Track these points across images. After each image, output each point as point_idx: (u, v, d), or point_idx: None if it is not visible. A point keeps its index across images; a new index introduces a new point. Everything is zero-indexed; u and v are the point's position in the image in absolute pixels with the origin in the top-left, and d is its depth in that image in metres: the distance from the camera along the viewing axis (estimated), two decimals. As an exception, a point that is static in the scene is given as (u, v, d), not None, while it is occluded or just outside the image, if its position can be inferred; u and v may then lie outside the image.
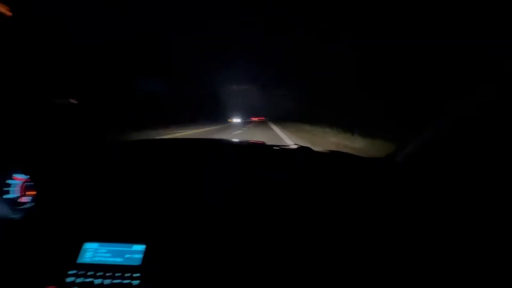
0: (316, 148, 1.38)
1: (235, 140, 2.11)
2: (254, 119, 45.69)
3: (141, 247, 0.81)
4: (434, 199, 0.85)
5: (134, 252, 0.80)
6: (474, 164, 0.80)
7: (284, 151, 1.31)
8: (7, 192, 1.00)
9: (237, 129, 18.30)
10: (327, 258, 0.80)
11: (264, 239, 0.84)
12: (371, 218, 0.87)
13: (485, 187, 0.76)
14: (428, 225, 0.81)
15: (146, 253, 0.80)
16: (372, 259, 0.79)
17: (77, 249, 0.81)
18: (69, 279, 0.75)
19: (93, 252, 0.81)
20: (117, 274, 0.76)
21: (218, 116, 42.07)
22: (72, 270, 0.77)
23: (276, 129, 16.54)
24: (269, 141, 1.52)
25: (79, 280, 0.75)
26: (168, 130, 14.86)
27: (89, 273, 0.76)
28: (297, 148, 1.32)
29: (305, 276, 0.78)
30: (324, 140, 8.89)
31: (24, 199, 1.00)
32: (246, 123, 33.70)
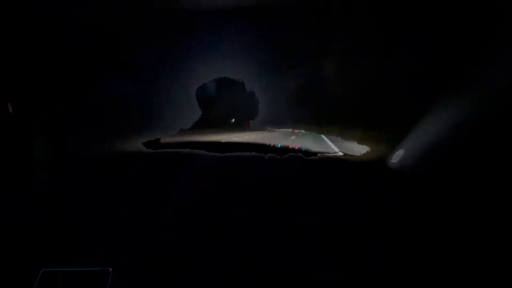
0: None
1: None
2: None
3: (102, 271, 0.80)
4: (431, 202, 0.83)
5: (93, 276, 0.79)
6: (478, 164, 0.77)
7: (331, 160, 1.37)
8: None
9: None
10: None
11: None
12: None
13: (487, 191, 0.74)
14: (426, 225, 0.81)
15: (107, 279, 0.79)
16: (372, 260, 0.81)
17: (34, 276, 0.81)
18: None
19: (50, 279, 0.80)
20: None
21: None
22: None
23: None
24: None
25: None
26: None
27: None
28: (343, 155, 1.40)
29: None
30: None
31: None
32: None
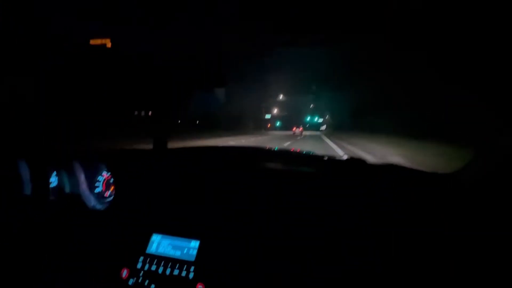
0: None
1: (284, 149, 2.09)
2: (294, 130, 40.64)
3: (196, 243, 0.89)
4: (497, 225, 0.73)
5: (191, 248, 0.89)
6: None
7: (334, 163, 1.28)
8: (96, 187, 1.22)
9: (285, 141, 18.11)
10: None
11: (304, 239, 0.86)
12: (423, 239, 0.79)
13: None
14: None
15: (200, 249, 0.88)
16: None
17: (146, 239, 0.94)
18: (139, 265, 0.88)
19: (158, 243, 0.93)
20: (176, 265, 0.86)
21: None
22: (141, 257, 0.90)
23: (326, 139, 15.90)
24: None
25: (146, 267, 0.88)
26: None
27: (154, 262, 0.88)
28: (348, 159, 1.27)
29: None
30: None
31: (107, 194, 1.21)
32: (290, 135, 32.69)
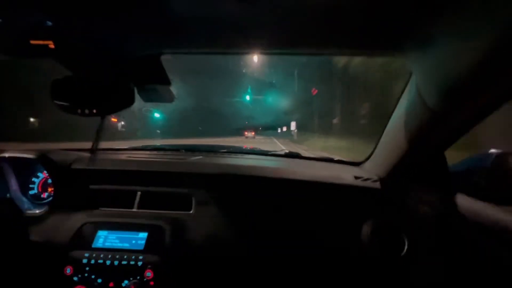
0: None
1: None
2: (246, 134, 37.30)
3: (144, 235, 0.94)
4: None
5: (139, 239, 0.94)
6: None
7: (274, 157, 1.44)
8: (32, 189, 1.15)
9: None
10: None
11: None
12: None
13: None
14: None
15: (148, 240, 0.94)
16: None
17: (92, 236, 0.95)
18: (84, 260, 0.89)
19: (104, 238, 0.95)
20: (124, 256, 0.89)
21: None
22: (87, 253, 0.91)
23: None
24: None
25: (92, 261, 0.89)
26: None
27: (101, 255, 0.90)
28: (286, 154, 1.45)
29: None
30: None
31: (44, 195, 1.15)
32: None
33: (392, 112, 0.91)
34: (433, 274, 0.89)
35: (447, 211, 0.87)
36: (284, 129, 36.76)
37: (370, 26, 0.53)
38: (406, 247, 0.91)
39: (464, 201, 0.84)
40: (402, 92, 0.83)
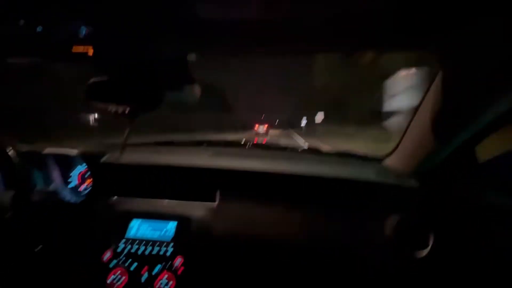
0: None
1: None
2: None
3: (174, 224, 1.01)
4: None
5: (168, 229, 1.01)
6: None
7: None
8: (71, 182, 1.26)
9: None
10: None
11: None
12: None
13: None
14: None
15: (177, 229, 1.00)
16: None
17: (126, 225, 1.04)
18: (119, 249, 0.98)
19: (137, 228, 1.03)
20: (156, 244, 0.97)
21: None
22: (122, 241, 0.99)
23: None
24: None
25: (127, 250, 0.98)
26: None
27: (135, 243, 0.98)
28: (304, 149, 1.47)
29: None
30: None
31: (82, 188, 1.26)
32: None
33: (418, 106, 0.89)
34: (459, 274, 0.87)
35: (477, 208, 0.83)
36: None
37: (405, 22, 0.52)
38: (432, 245, 0.90)
39: (496, 199, 0.81)
40: (429, 87, 0.80)
